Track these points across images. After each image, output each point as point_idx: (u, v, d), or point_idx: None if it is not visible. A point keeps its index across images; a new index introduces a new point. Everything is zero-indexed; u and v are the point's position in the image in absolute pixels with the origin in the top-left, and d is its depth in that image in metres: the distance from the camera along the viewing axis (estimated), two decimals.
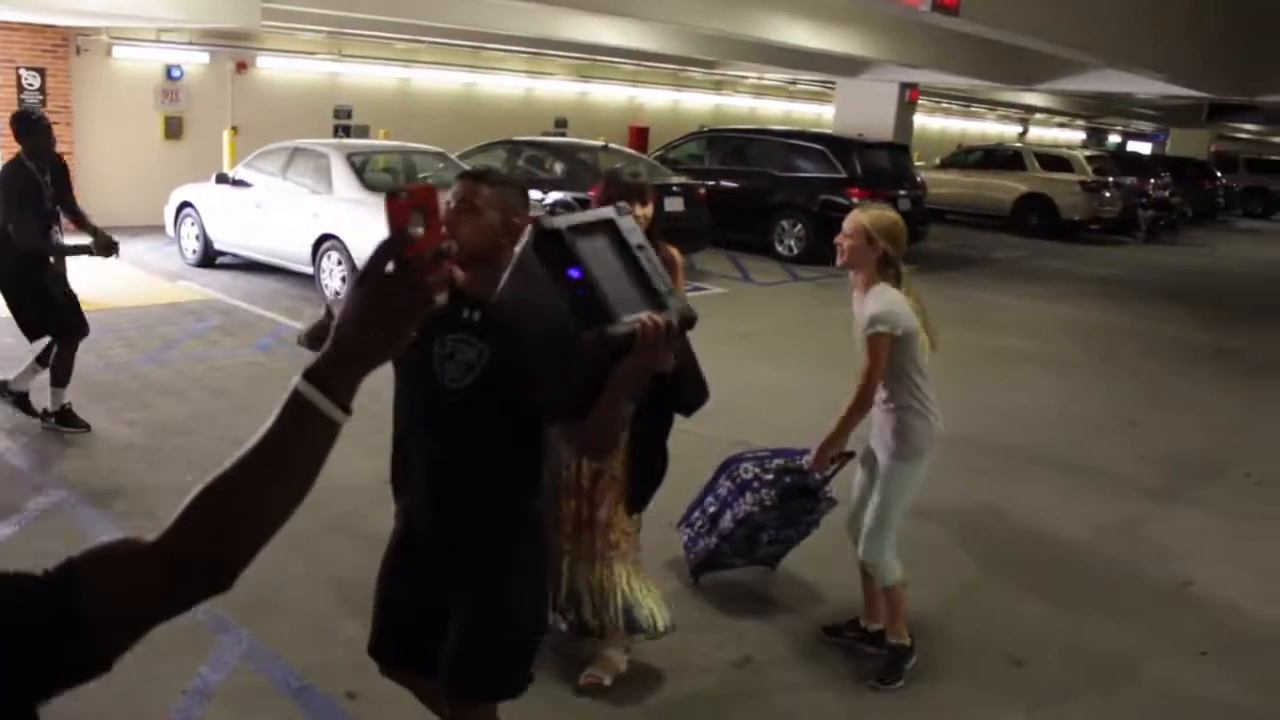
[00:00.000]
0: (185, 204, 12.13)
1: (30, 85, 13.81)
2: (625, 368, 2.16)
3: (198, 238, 11.99)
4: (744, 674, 4.18)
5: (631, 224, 2.23)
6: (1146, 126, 38.73)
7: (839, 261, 3.93)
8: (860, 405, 3.90)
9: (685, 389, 3.81)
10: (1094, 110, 31.76)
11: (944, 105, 30.90)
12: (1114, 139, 43.18)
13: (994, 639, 4.57)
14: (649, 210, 3.89)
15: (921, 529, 5.63)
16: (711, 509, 4.70)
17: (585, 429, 2.30)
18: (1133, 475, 6.92)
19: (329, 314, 2.72)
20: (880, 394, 3.93)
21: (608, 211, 2.26)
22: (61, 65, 13.99)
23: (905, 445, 3.95)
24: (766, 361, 9.35)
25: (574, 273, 2.12)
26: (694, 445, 6.87)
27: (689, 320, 2.20)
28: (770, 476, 4.54)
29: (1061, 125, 39.58)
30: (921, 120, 30.64)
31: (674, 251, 4.08)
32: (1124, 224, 22.10)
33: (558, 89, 21.19)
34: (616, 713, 3.84)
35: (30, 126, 6.14)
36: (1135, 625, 4.82)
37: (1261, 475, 7.10)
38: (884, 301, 3.83)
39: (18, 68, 13.76)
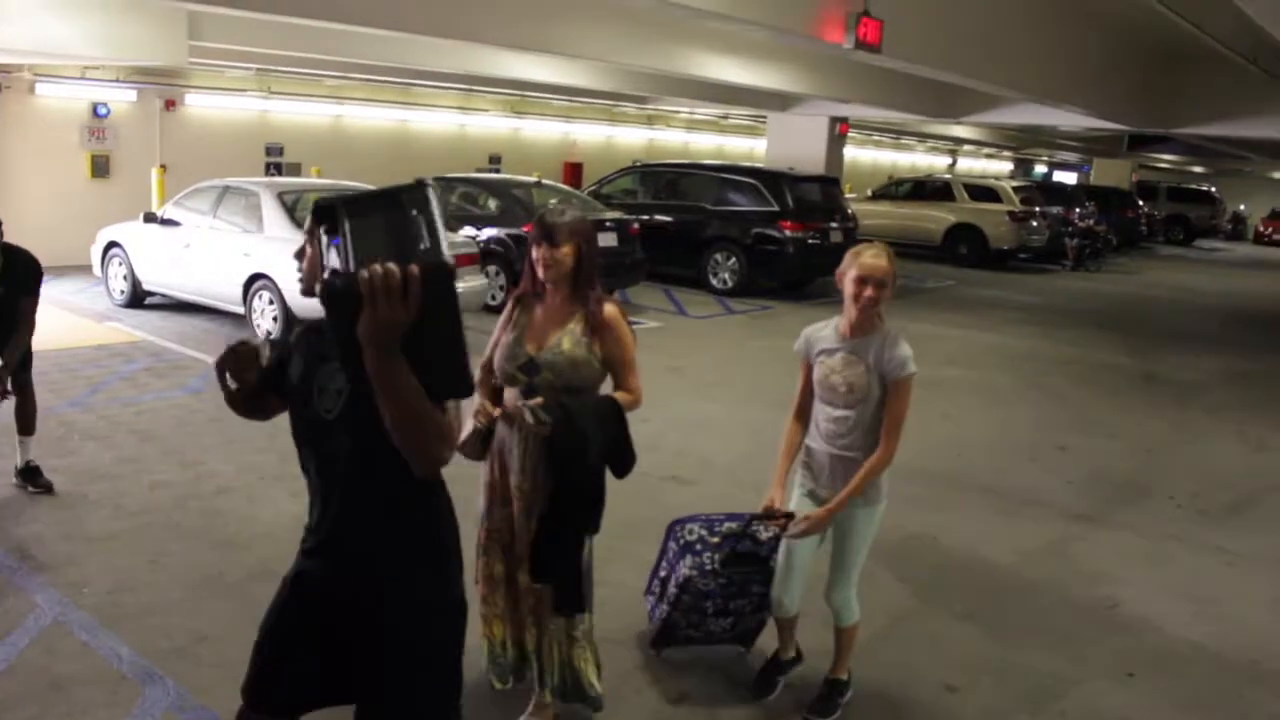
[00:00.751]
0: (113, 244, 11.95)
1: None
2: (362, 322, 2.03)
3: (125, 278, 11.81)
4: (680, 711, 4.18)
5: (426, 195, 2.15)
6: (1071, 157, 39.69)
7: (859, 318, 3.75)
8: (891, 455, 3.78)
9: (615, 457, 3.67)
10: (1020, 142, 32.47)
11: (875, 138, 31.43)
12: (1040, 169, 44.19)
13: (926, 666, 4.61)
14: (565, 250, 3.52)
15: None
16: (663, 573, 4.50)
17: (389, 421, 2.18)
18: (1061, 500, 7.05)
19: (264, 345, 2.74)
20: (852, 439, 3.82)
21: (403, 184, 2.18)
22: None
23: (875, 490, 3.86)
24: (697, 395, 9.39)
25: (335, 241, 2.11)
26: (624, 484, 6.89)
27: (436, 267, 2.06)
28: (716, 539, 4.35)
29: (989, 156, 40.45)
30: (853, 153, 31.15)
31: (610, 310, 3.62)
32: (1051, 252, 22.61)
33: (491, 125, 21.23)
34: None
35: None
36: (1064, 648, 4.89)
37: (1185, 498, 7.26)
38: (904, 343, 3.79)
39: None
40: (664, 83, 16.07)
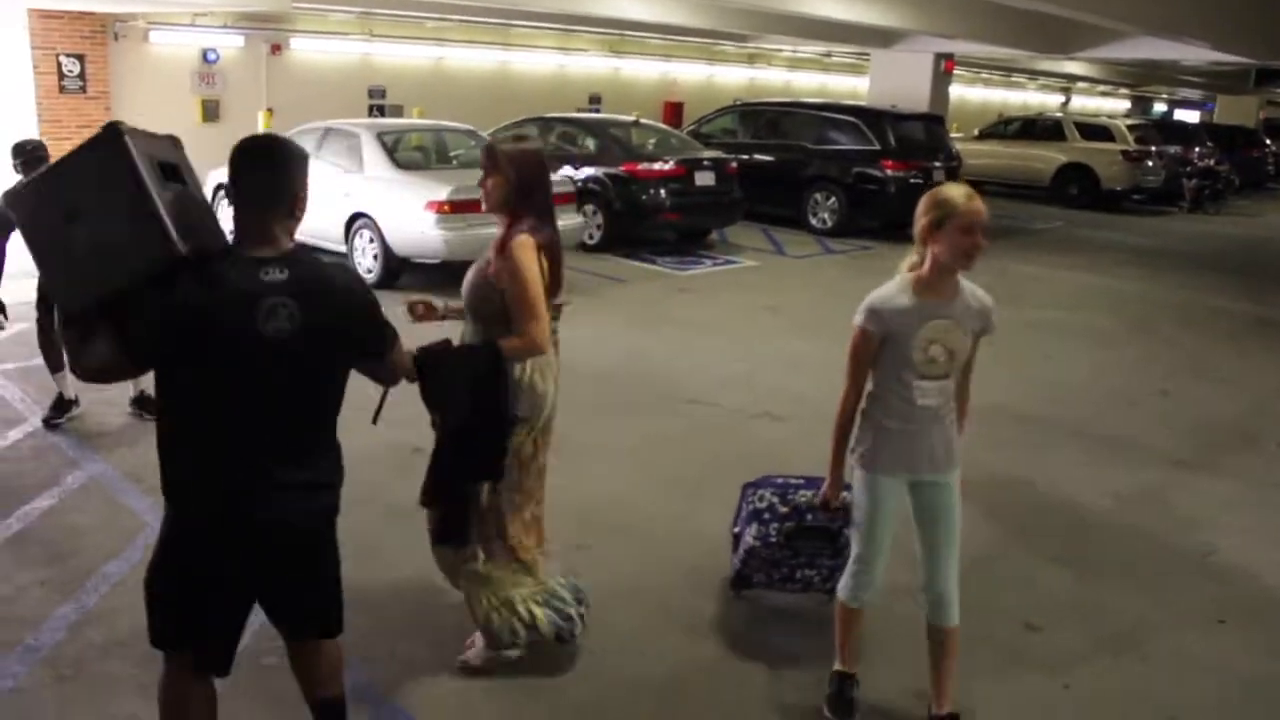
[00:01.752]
0: (221, 186, 12.29)
1: (70, 71, 14.04)
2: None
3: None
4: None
5: (119, 146, 2.59)
6: (1193, 94, 38.05)
7: (962, 271, 3.33)
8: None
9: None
10: (1138, 79, 31.23)
11: (984, 76, 30.54)
12: (1159, 108, 42.46)
13: (1010, 605, 4.58)
14: (495, 180, 3.54)
15: None
16: (737, 528, 4.41)
17: None
18: (1161, 445, 6.87)
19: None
20: (950, 408, 3.48)
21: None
22: (100, 51, 14.21)
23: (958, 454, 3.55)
24: (792, 334, 9.34)
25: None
26: (716, 420, 6.94)
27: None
28: (786, 510, 4.15)
29: (1105, 94, 38.98)
30: (961, 91, 30.32)
31: (517, 240, 3.50)
32: (1168, 194, 21.77)
33: (591, 65, 21.18)
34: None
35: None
36: (1154, 593, 4.80)
37: None
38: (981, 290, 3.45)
39: (58, 54, 13.98)
40: (764, 20, 15.82)
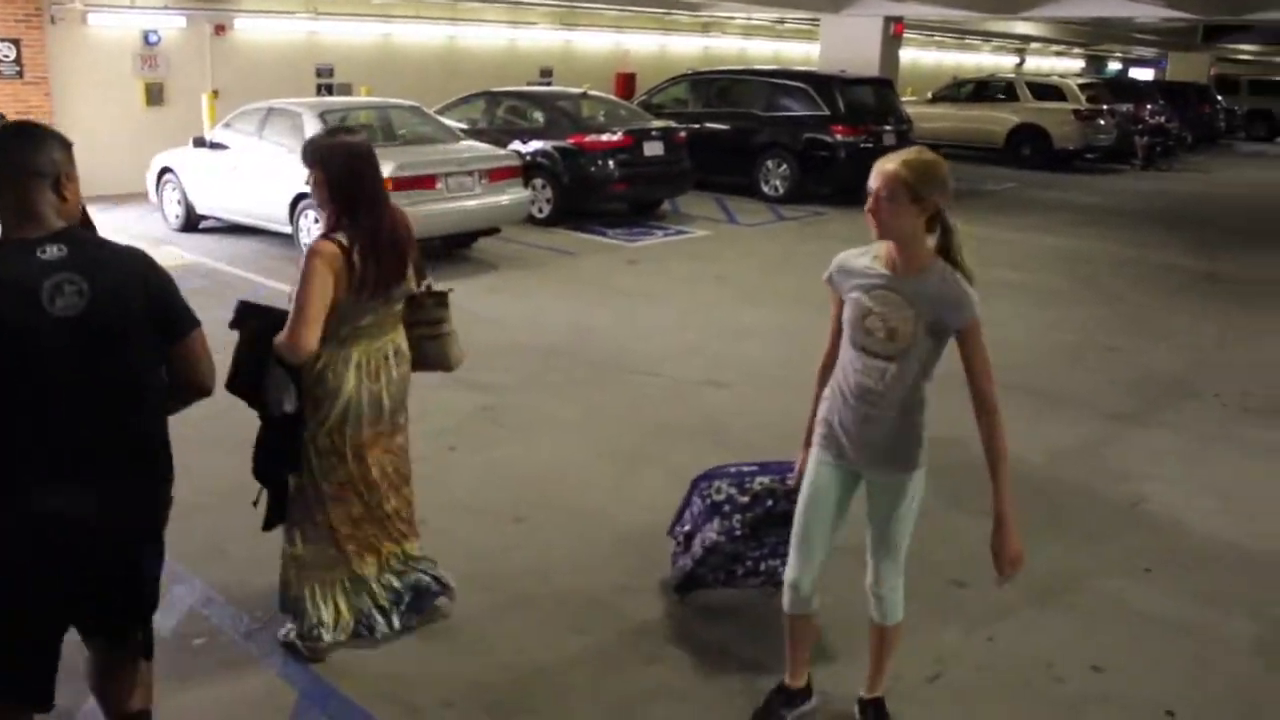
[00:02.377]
0: (166, 169, 12.15)
1: (6, 57, 13.76)
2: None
3: (179, 202, 12.02)
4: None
5: None
6: (1147, 53, 38.24)
7: (875, 233, 3.02)
8: (1001, 415, 3.25)
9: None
10: (1091, 38, 31.33)
11: (937, 39, 30.57)
12: (1114, 66, 42.68)
13: (938, 562, 4.62)
14: (312, 176, 3.54)
15: None
16: (686, 527, 4.18)
17: None
18: (1102, 400, 6.95)
19: None
20: (889, 399, 3.16)
21: None
22: (36, 35, 13.92)
23: (923, 451, 3.34)
24: (739, 302, 9.36)
25: None
26: (660, 387, 6.96)
27: None
28: (746, 499, 3.93)
29: (1059, 54, 39.14)
30: (914, 54, 30.37)
31: (314, 245, 3.48)
32: (1120, 152, 21.93)
33: (542, 38, 21.01)
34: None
35: None
36: (1083, 544, 4.87)
37: (1232, 398, 7.12)
38: (965, 285, 3.06)
39: None
40: None
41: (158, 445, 2.75)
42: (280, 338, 3.40)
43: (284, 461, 3.65)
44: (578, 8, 19.74)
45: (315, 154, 3.55)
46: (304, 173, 3.69)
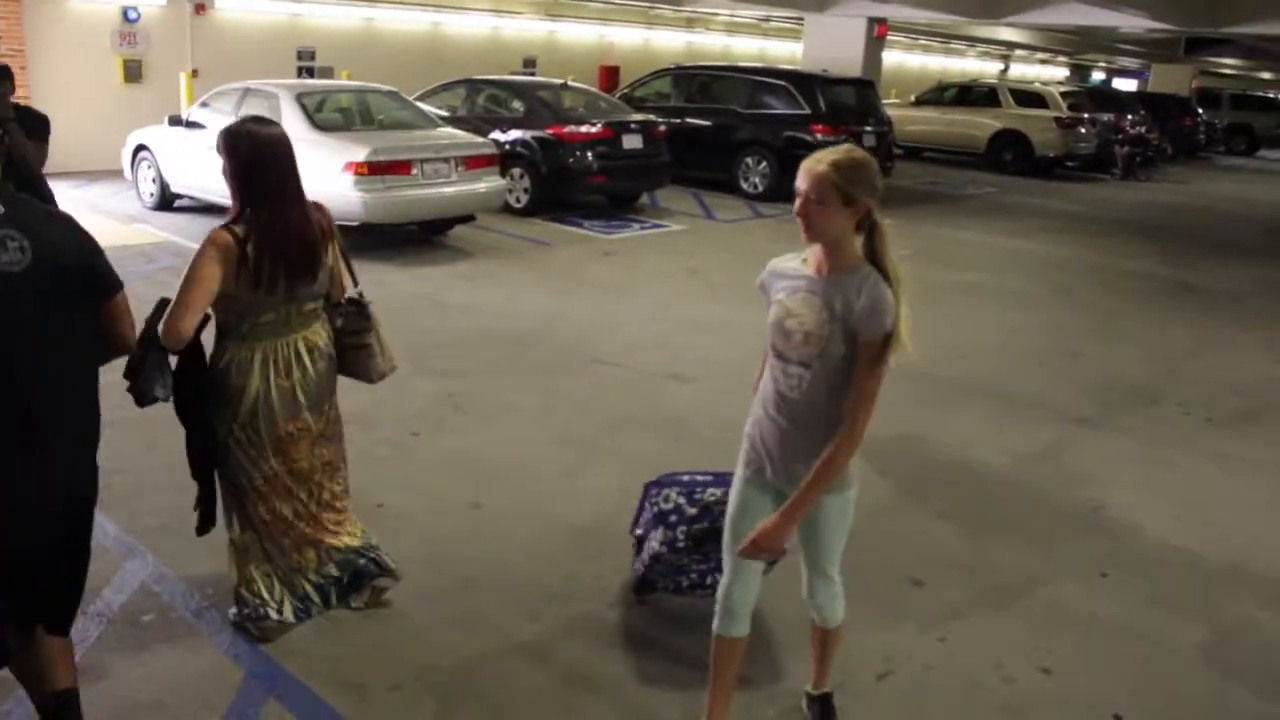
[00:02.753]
0: (141, 147, 12.04)
1: None
2: None
3: (154, 180, 11.92)
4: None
5: None
6: (1130, 64, 38.47)
7: (804, 235, 2.86)
8: (858, 438, 2.88)
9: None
10: (1075, 47, 31.49)
11: (922, 42, 30.66)
12: (1097, 76, 42.91)
13: (896, 561, 4.63)
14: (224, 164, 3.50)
15: None
16: (639, 531, 4.08)
17: None
18: (1064, 405, 6.97)
19: None
20: (805, 408, 2.93)
21: None
22: (13, 9, 13.76)
23: (848, 472, 3.03)
24: (709, 298, 9.35)
25: None
26: (623, 379, 6.95)
27: None
28: (694, 511, 3.80)
29: (1044, 62, 39.33)
30: (900, 57, 30.46)
31: (209, 234, 3.45)
32: (1100, 161, 22.04)
33: (526, 28, 20.95)
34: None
35: None
36: (1039, 548, 4.88)
37: (1195, 406, 7.15)
38: (883, 292, 2.83)
39: None
40: None
41: (95, 406, 2.76)
42: (159, 324, 3.30)
43: (205, 458, 3.62)
44: None
45: (223, 141, 3.49)
46: None
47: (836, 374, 2.87)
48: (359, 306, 3.82)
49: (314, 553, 3.83)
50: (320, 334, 3.71)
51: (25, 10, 13.87)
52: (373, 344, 3.81)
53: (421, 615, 3.99)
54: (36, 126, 6.22)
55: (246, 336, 3.53)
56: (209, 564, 4.07)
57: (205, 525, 3.72)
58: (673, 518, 3.83)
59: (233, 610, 3.80)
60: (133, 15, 14.93)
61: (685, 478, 3.98)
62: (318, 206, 3.67)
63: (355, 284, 3.88)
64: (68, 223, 2.71)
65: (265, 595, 3.75)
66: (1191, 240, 14.74)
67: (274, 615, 3.74)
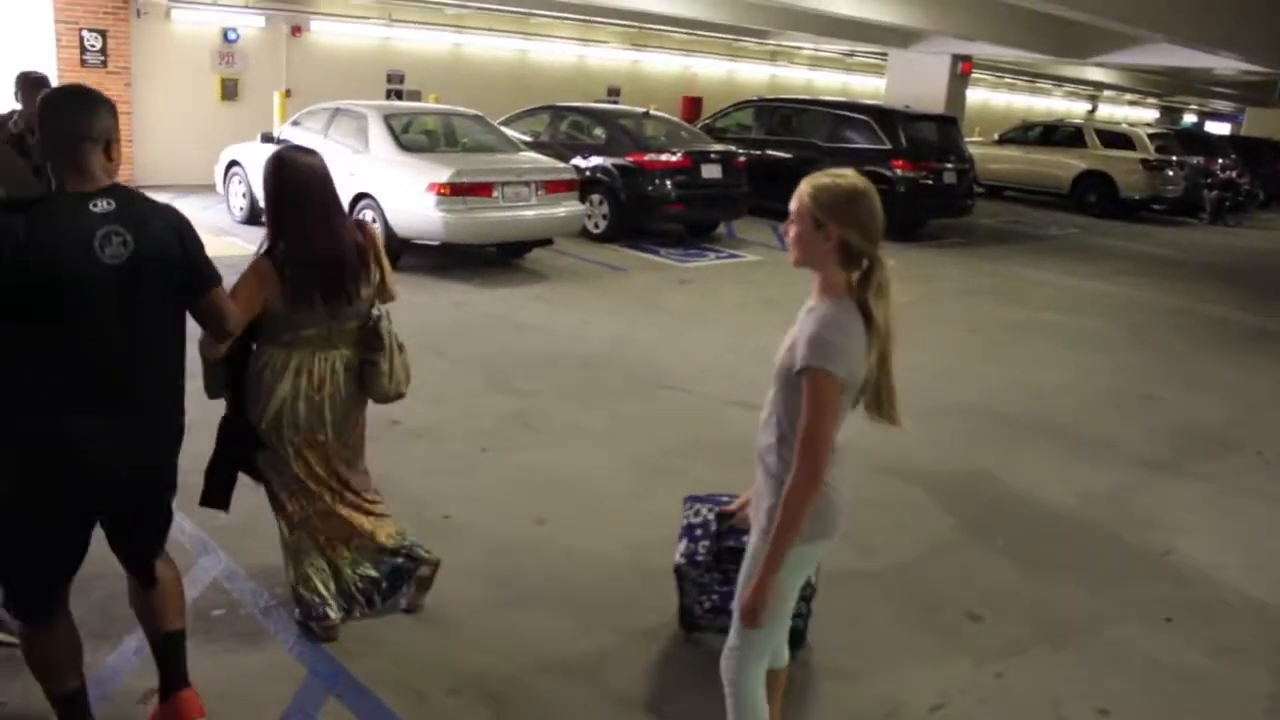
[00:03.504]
0: (233, 162, 12.44)
1: (92, 46, 14.18)
2: None
3: (245, 195, 12.29)
4: None
5: None
6: (1224, 106, 37.72)
7: (791, 259, 2.77)
8: (803, 480, 2.61)
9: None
10: (1166, 88, 30.98)
11: (1008, 81, 30.41)
12: (1188, 118, 42.11)
13: (956, 595, 4.62)
14: None
15: (905, 491, 5.71)
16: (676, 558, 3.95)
17: None
18: (1137, 448, 6.87)
19: None
20: (767, 438, 2.79)
21: None
22: (122, 27, 14.34)
23: (817, 524, 2.75)
24: (782, 329, 9.26)
25: None
26: (688, 404, 7.01)
27: None
28: (719, 528, 3.74)
29: (1132, 103, 38.72)
30: (985, 95, 30.23)
31: (252, 264, 3.60)
32: (1188, 204, 21.63)
33: (611, 57, 21.22)
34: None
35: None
36: (1104, 589, 4.83)
37: (1273, 454, 7.00)
38: (830, 323, 2.63)
39: (80, 29, 14.13)
40: (782, 15, 15.84)
41: (178, 386, 3.03)
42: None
43: (241, 450, 3.81)
44: (647, 29, 19.90)
45: (263, 170, 3.69)
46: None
47: (787, 404, 2.70)
48: (374, 325, 3.87)
49: (348, 552, 3.96)
50: (355, 352, 3.84)
51: (133, 31, 14.43)
52: (380, 363, 3.85)
53: (481, 625, 4.08)
54: None
55: (286, 345, 3.68)
56: (278, 565, 4.20)
57: (209, 497, 3.85)
58: (698, 532, 3.83)
59: (296, 611, 3.93)
60: (232, 36, 15.45)
61: (725, 497, 3.91)
62: (360, 225, 3.81)
63: (386, 298, 3.94)
64: (172, 219, 2.91)
65: (323, 592, 3.88)
66: (1275, 288, 14.40)
67: (333, 614, 3.87)
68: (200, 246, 2.98)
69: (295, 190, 3.61)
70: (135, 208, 2.80)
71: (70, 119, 2.76)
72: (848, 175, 2.73)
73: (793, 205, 2.69)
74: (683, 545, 3.85)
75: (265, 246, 3.63)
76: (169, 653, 3.23)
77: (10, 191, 2.89)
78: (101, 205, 2.72)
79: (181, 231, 2.91)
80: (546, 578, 4.50)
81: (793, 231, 2.72)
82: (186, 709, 3.22)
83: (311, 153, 3.76)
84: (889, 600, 4.54)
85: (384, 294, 3.89)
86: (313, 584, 3.88)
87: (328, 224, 3.65)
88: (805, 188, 2.69)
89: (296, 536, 3.89)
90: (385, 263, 3.89)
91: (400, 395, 3.97)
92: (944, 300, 11.03)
